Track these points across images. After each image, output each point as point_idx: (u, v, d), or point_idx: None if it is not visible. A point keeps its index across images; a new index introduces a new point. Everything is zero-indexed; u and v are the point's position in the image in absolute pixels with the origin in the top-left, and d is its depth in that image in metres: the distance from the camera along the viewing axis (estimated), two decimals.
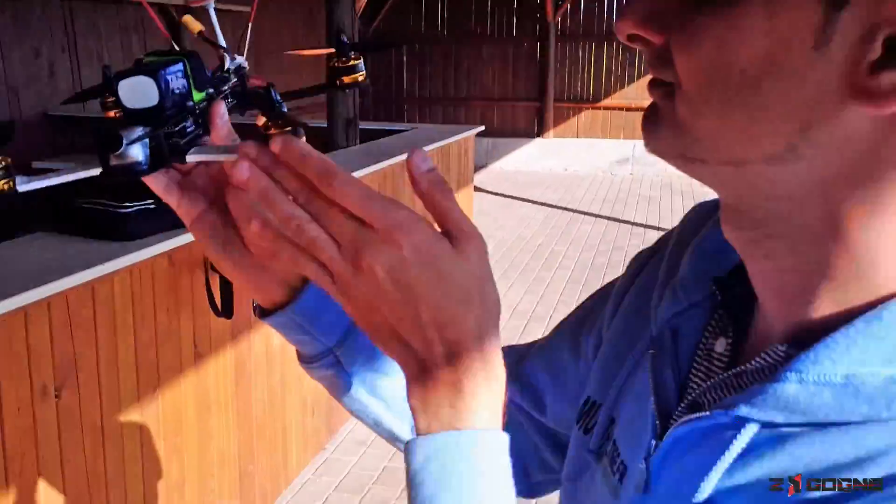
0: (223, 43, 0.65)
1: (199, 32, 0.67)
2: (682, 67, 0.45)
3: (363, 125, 4.77)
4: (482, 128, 5.72)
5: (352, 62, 0.66)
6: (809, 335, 0.47)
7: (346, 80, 0.66)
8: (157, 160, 0.57)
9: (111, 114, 0.68)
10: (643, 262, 0.72)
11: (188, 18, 0.67)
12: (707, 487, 0.49)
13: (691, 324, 0.59)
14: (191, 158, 0.59)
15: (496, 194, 9.53)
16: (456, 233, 0.50)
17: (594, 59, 11.54)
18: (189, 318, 2.49)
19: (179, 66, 0.58)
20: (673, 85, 0.46)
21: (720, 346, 0.57)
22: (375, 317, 0.50)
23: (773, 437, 0.47)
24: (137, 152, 0.55)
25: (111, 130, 0.54)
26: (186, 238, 2.37)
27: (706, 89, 0.44)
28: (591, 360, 0.73)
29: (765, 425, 0.47)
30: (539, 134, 11.75)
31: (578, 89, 11.71)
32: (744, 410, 0.48)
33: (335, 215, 0.49)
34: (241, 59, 0.66)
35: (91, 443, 2.12)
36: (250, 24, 0.70)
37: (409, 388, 0.52)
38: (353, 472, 3.42)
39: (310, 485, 3.32)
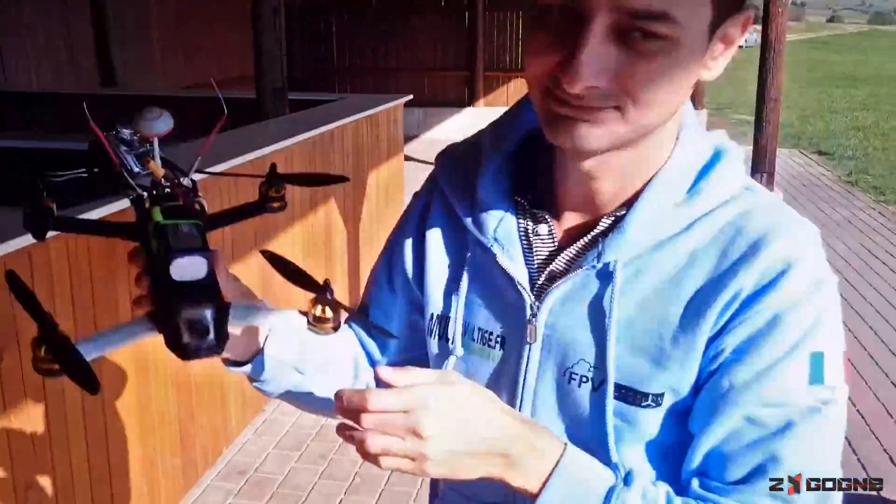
0: (160, 164, 0.72)
1: (164, 175, 0.72)
2: (640, 96, 0.68)
3: (292, 95, 4.78)
4: (410, 96, 5.80)
5: (280, 192, 0.76)
6: (628, 203, 0.78)
7: (275, 206, 0.77)
8: (221, 335, 0.62)
9: (48, 204, 0.72)
10: (424, 204, 0.92)
11: (152, 165, 0.72)
12: (613, 318, 0.74)
13: (507, 228, 0.82)
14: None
15: (428, 163, 9.63)
16: (453, 381, 0.71)
17: (522, 28, 11.67)
18: (125, 284, 2.56)
19: (200, 230, 0.64)
20: (621, 106, 0.68)
21: (544, 230, 0.81)
22: (462, 457, 0.69)
23: (632, 273, 0.75)
24: (211, 332, 0.61)
25: (209, 346, 0.61)
26: (120, 205, 2.43)
27: (659, 103, 0.69)
28: (400, 294, 0.94)
29: (625, 263, 0.75)
30: (470, 103, 11.86)
31: (507, 58, 11.84)
32: (610, 256, 0.75)
33: (387, 423, 0.66)
34: (187, 181, 0.73)
35: (34, 404, 2.19)
36: (201, 155, 0.75)
37: (505, 481, 0.72)
38: (291, 431, 3.55)
39: (250, 444, 3.43)
